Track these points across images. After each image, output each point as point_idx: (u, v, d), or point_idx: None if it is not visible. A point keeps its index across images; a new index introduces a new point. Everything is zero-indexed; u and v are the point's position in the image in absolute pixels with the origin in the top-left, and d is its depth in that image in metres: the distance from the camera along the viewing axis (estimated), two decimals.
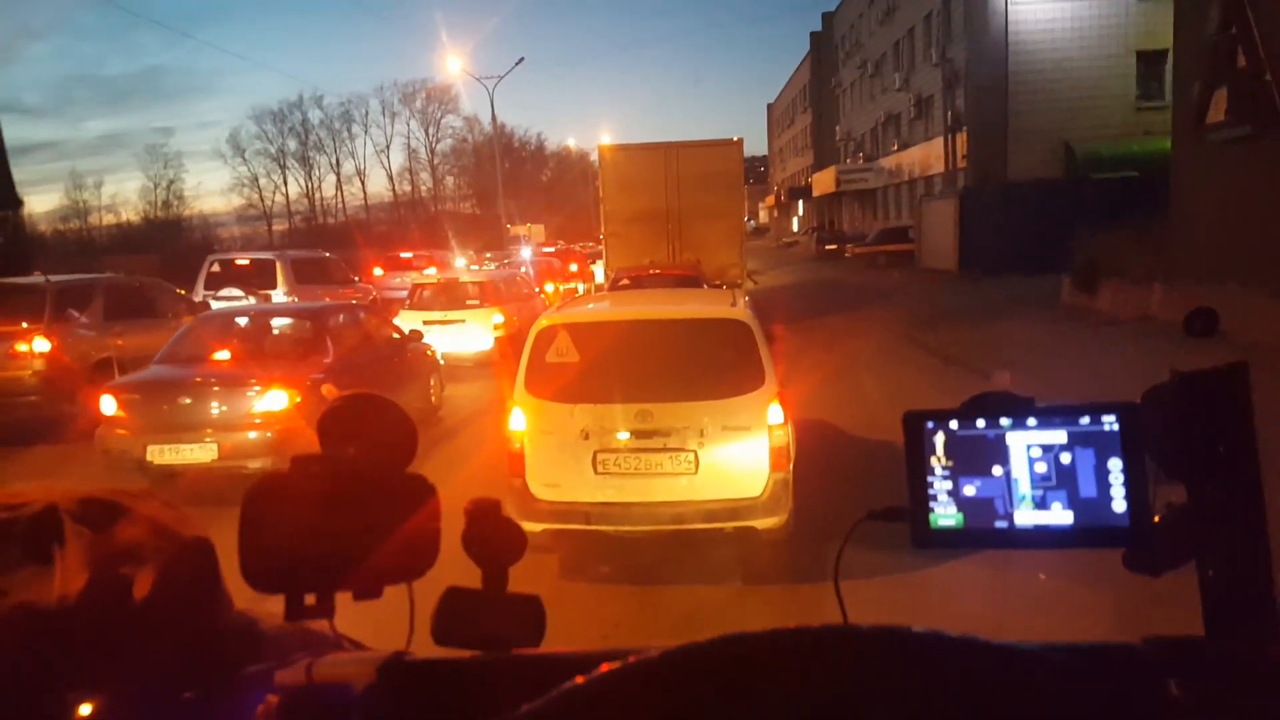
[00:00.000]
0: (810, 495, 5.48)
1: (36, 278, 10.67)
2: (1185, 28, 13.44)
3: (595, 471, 5.09)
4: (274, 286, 16.57)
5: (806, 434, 5.68)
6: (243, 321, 8.77)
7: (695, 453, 5.04)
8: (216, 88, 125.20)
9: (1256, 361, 0.90)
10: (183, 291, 14.11)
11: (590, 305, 6.83)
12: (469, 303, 13.56)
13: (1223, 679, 0.77)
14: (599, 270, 23.02)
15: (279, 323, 8.72)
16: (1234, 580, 0.84)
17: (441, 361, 10.89)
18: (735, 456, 5.07)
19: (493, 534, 0.94)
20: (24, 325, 9.88)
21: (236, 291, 16.25)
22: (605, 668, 0.62)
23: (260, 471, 6.90)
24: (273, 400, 7.15)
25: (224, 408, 7.17)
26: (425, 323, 12.86)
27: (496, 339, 13.08)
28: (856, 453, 7.68)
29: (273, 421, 7.12)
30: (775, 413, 5.10)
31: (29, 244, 29.35)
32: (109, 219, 65.57)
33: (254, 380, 7.23)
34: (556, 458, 5.16)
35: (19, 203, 28.80)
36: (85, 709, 0.77)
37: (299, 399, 7.21)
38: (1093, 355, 11.98)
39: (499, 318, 13.26)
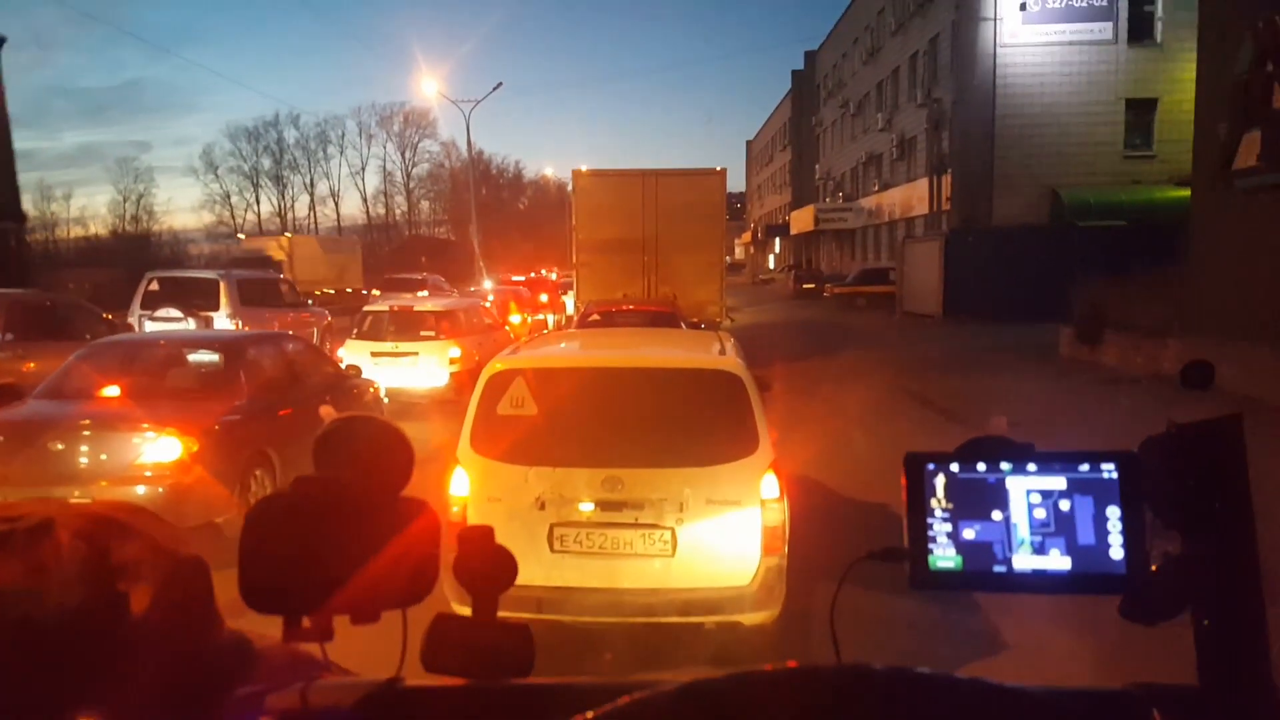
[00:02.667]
0: (797, 561, 4.47)
1: None
2: (1210, 65, 12.65)
3: (551, 549, 4.25)
4: (216, 308, 15.28)
5: (791, 493, 4.69)
6: (145, 351, 7.48)
7: (673, 530, 4.20)
8: (194, 105, 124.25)
9: None
10: (109, 315, 12.76)
11: (554, 347, 5.78)
12: (424, 334, 12.28)
13: None
14: (570, 301, 21.89)
15: (187, 354, 7.42)
16: (1228, 631, 0.84)
17: (386, 400, 9.68)
18: (721, 537, 4.25)
19: (485, 561, 0.97)
20: None
21: (175, 312, 14.97)
22: (626, 699, 0.60)
23: None
24: (163, 449, 5.91)
25: (103, 456, 5.91)
26: (374, 354, 11.70)
27: (452, 375, 11.85)
28: (848, 517, 6.82)
29: (162, 475, 5.87)
30: (770, 485, 4.26)
31: (27, 261, 28.29)
32: (77, 232, 63.68)
33: (143, 424, 5.97)
34: (505, 530, 4.04)
35: (24, 216, 27.70)
36: None
37: (195, 448, 5.97)
38: (1107, 413, 10.99)
39: (456, 351, 12.03)
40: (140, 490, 5.83)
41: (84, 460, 5.88)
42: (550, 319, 24.05)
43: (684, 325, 12.03)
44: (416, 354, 11.99)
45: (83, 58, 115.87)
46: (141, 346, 7.77)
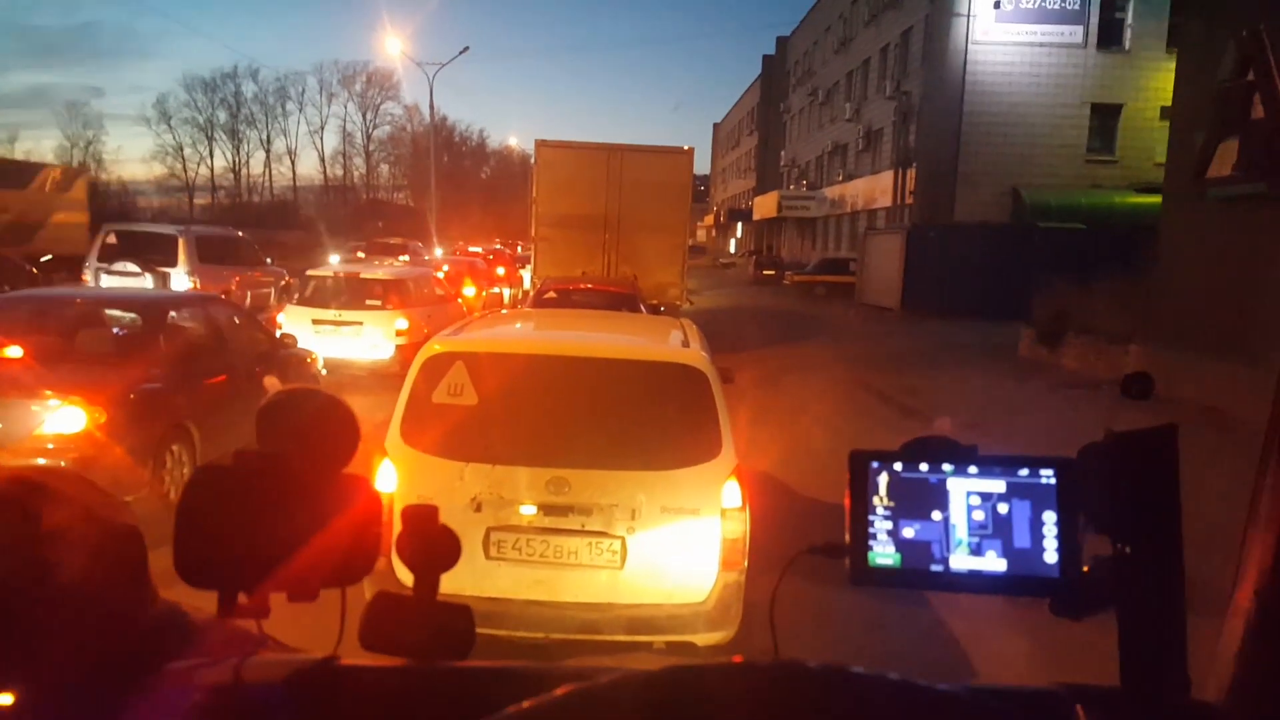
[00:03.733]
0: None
1: None
2: (1189, 72, 12.49)
3: (486, 555, 3.85)
4: (174, 265, 15.21)
5: (751, 497, 4.44)
6: (57, 309, 6.87)
7: (623, 540, 3.84)
8: (151, 51, 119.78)
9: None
10: (34, 269, 12.05)
11: (500, 329, 5.30)
12: (369, 303, 11.69)
13: None
14: (528, 276, 21.39)
15: (102, 315, 6.82)
16: (1151, 632, 0.86)
17: (324, 372, 9.15)
18: (676, 549, 3.88)
19: (427, 541, 0.93)
20: None
21: (132, 267, 14.82)
22: (562, 690, 0.61)
23: None
24: (67, 419, 5.39)
25: None
26: (315, 322, 11.13)
27: (398, 348, 11.31)
28: (801, 513, 6.60)
29: (65, 448, 5.36)
30: (732, 492, 3.89)
31: None
32: None
33: (46, 390, 5.44)
34: None
35: None
36: (5, 699, 0.74)
37: (103, 419, 5.45)
38: (1068, 419, 10.82)
39: (403, 323, 11.48)
40: (40, 464, 5.30)
41: None
42: (506, 293, 23.53)
43: (643, 308, 11.64)
44: (360, 324, 11.43)
45: None
46: (53, 304, 7.15)
